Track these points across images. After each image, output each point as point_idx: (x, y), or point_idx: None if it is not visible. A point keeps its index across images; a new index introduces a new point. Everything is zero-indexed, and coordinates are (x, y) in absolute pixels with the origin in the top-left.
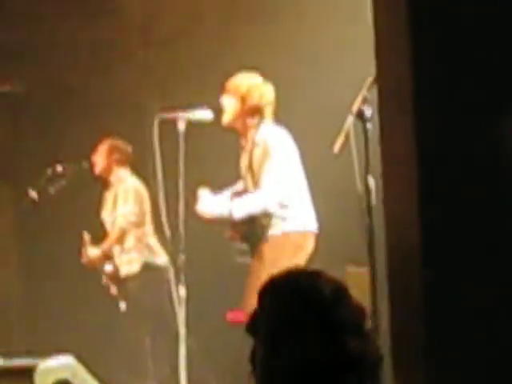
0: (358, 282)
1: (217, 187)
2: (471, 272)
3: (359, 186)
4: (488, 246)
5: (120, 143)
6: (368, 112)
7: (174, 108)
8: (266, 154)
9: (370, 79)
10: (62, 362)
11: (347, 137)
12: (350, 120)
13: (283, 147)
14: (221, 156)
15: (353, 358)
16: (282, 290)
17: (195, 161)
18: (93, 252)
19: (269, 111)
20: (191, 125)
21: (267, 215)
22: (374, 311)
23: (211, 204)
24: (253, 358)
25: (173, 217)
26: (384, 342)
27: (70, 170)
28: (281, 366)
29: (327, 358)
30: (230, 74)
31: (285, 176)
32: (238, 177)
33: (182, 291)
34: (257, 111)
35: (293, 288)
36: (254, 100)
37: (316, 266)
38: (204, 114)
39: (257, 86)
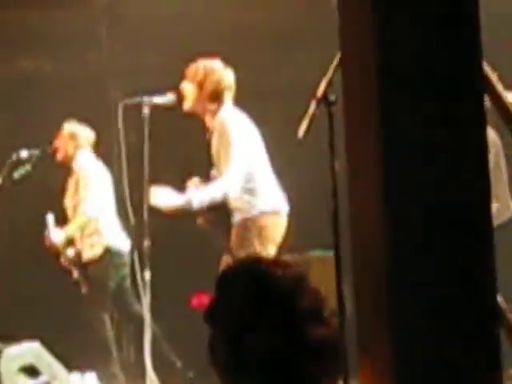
0: (324, 266)
1: (184, 173)
2: (432, 250)
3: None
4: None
5: (80, 127)
6: (332, 96)
7: (137, 93)
8: (222, 138)
9: (335, 63)
10: (26, 348)
11: (311, 121)
12: (314, 104)
13: (240, 130)
14: (187, 140)
15: (313, 345)
16: (241, 279)
17: (160, 146)
18: (56, 236)
19: (228, 96)
20: (156, 109)
21: (236, 200)
22: (339, 295)
23: (168, 197)
24: (212, 347)
25: (137, 201)
26: (350, 326)
27: (34, 155)
28: (243, 353)
29: (288, 346)
30: (192, 60)
31: (243, 159)
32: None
33: (147, 275)
34: (215, 96)
35: (252, 277)
36: (211, 85)
37: (284, 249)
38: (167, 98)
39: (214, 70)
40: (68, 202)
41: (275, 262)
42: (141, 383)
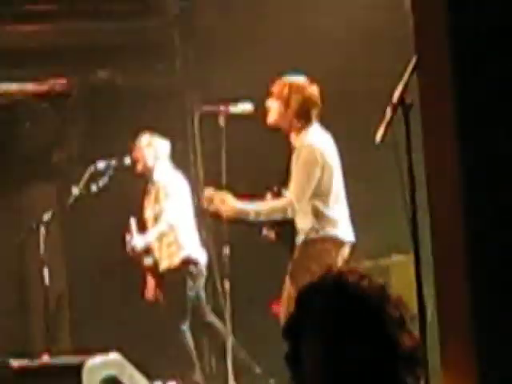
0: (404, 271)
1: (259, 184)
2: None
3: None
4: None
5: (158, 139)
6: (409, 100)
7: (215, 101)
8: (299, 161)
9: (411, 66)
10: (109, 359)
11: (389, 125)
12: (391, 109)
13: (319, 156)
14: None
15: (404, 353)
16: (328, 292)
17: (235, 155)
18: (138, 241)
19: (315, 113)
20: (233, 119)
21: (302, 221)
22: (420, 299)
23: (226, 202)
24: (294, 360)
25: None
26: (431, 331)
27: (112, 166)
28: (340, 365)
29: (382, 356)
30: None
31: (310, 187)
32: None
33: (227, 285)
34: (302, 114)
35: (340, 290)
36: (297, 103)
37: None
38: (245, 107)
39: (300, 87)
40: (148, 213)
41: (359, 274)
42: None
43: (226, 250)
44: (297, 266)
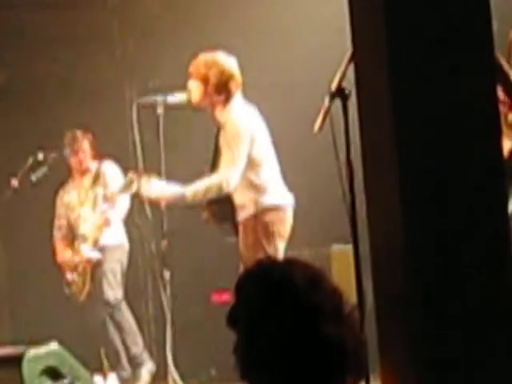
0: (344, 260)
1: (196, 170)
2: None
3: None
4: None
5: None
6: (347, 89)
7: (153, 91)
8: (227, 134)
9: (348, 56)
10: (49, 350)
11: (326, 115)
12: (328, 98)
13: (245, 126)
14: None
15: (331, 344)
16: (255, 282)
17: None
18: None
19: (234, 85)
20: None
21: (239, 196)
22: (359, 289)
23: (161, 188)
24: (234, 348)
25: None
26: (369, 321)
27: (51, 157)
28: (259, 352)
29: (305, 345)
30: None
31: (243, 157)
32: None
33: (167, 275)
34: (221, 88)
35: (266, 279)
36: (215, 77)
37: (303, 245)
38: (181, 98)
39: (216, 62)
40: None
41: (290, 262)
42: (163, 381)
43: (165, 241)
44: (246, 245)
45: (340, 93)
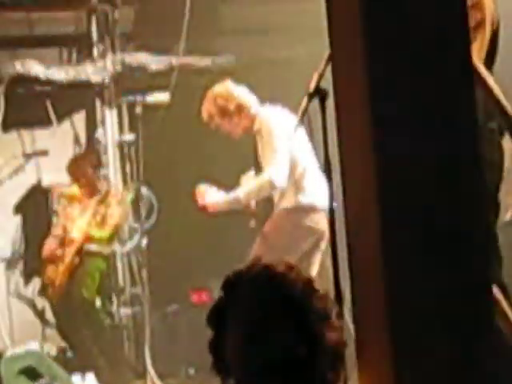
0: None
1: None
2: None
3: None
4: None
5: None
6: (325, 90)
7: (132, 91)
8: (264, 137)
9: (326, 56)
10: (27, 350)
11: (303, 115)
12: (306, 98)
13: (280, 127)
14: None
15: (329, 346)
16: (251, 284)
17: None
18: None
19: (245, 100)
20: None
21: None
22: (337, 287)
23: (216, 195)
24: (215, 348)
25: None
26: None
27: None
28: (260, 353)
29: (304, 346)
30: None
31: (286, 153)
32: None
33: (144, 274)
34: (238, 110)
35: (263, 283)
36: (229, 106)
37: None
38: (161, 97)
39: (219, 95)
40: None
41: (287, 265)
42: (142, 381)
43: (144, 240)
44: (272, 232)
45: (318, 93)
